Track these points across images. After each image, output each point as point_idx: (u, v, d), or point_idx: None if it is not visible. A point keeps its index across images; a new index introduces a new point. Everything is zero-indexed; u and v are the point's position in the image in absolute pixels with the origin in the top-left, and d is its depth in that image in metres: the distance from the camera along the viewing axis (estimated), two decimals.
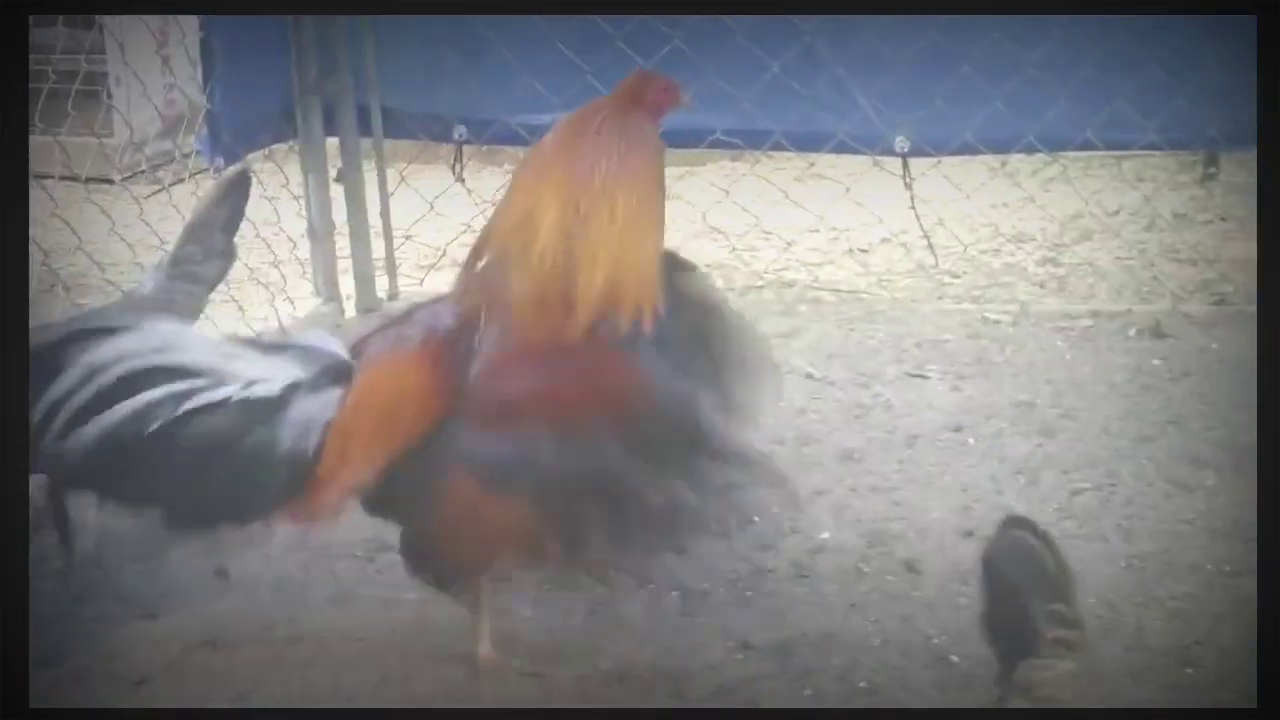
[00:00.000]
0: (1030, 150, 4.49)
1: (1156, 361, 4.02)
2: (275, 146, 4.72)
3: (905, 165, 4.48)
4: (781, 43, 4.26)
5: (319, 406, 2.48)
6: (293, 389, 2.48)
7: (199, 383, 2.45)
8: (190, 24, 4.68)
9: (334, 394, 2.50)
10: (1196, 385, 3.85)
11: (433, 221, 4.87)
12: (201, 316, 3.33)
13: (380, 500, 2.55)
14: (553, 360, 2.48)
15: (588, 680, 2.65)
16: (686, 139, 4.27)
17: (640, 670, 2.68)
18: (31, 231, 3.49)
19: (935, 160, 4.55)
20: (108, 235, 4.53)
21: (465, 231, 4.37)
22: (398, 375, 2.52)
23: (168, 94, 5.67)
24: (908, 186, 4.52)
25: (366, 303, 4.66)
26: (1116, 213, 5.29)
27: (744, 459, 2.52)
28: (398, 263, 4.77)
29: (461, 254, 2.70)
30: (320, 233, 4.63)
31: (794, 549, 3.09)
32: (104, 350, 2.44)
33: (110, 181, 5.26)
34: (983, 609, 2.36)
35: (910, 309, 4.53)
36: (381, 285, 4.71)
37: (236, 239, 3.37)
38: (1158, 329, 4.21)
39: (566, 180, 2.48)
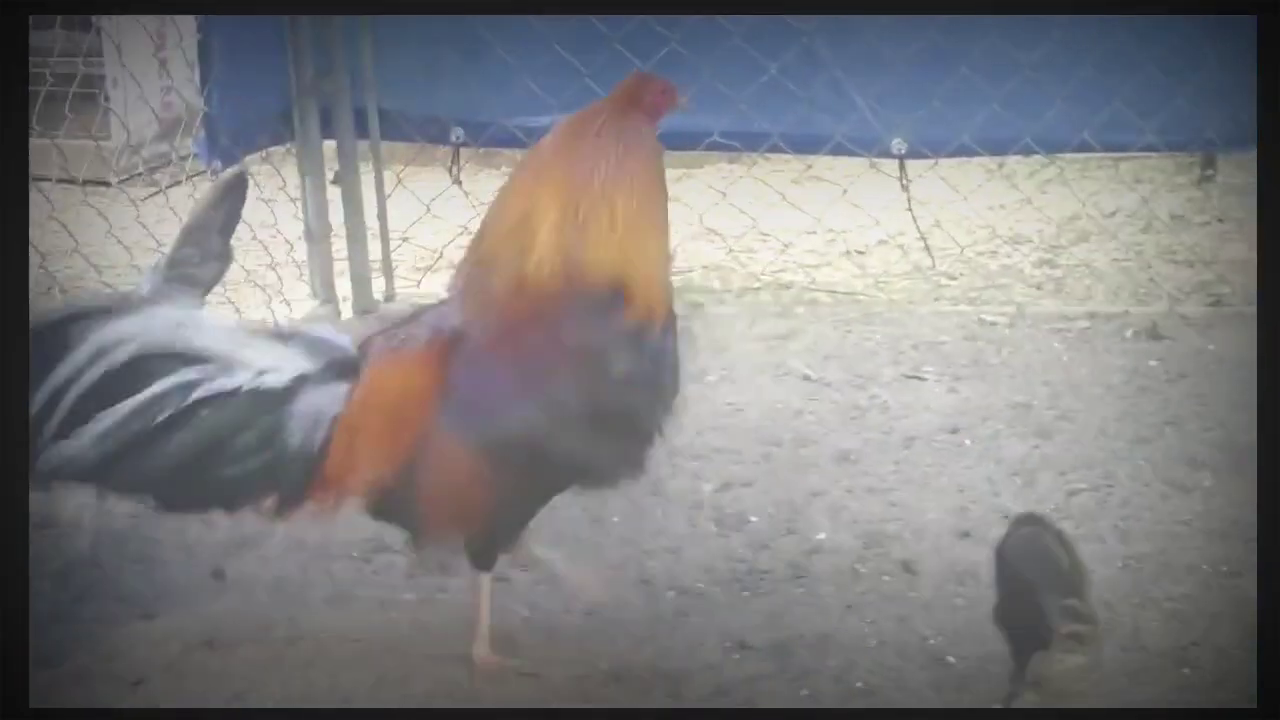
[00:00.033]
0: (1028, 152, 4.50)
1: (1153, 363, 4.02)
2: (272, 149, 4.72)
3: (902, 167, 4.47)
4: (779, 44, 4.26)
5: (327, 400, 2.49)
6: (301, 380, 2.49)
7: (209, 369, 2.45)
8: (188, 26, 4.68)
9: (341, 388, 2.50)
10: (1193, 386, 3.85)
11: (429, 224, 4.86)
12: None
13: (382, 503, 2.56)
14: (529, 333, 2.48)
15: (586, 680, 2.65)
16: (684, 141, 4.26)
17: (638, 670, 2.67)
18: (29, 234, 3.48)
19: (932, 162, 4.55)
20: (105, 238, 4.53)
21: (462, 234, 4.35)
22: (406, 374, 2.52)
23: (165, 96, 5.68)
24: (905, 188, 4.52)
25: (363, 304, 4.66)
26: (1113, 214, 5.29)
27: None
28: (394, 265, 4.77)
29: (458, 256, 2.70)
30: (317, 235, 4.62)
31: (791, 550, 3.09)
32: (111, 330, 2.44)
33: (107, 184, 5.25)
34: (996, 604, 2.37)
35: (907, 310, 4.53)
36: (378, 287, 4.70)
37: (233, 241, 3.37)
38: (1154, 330, 4.21)
39: (565, 183, 2.48)
